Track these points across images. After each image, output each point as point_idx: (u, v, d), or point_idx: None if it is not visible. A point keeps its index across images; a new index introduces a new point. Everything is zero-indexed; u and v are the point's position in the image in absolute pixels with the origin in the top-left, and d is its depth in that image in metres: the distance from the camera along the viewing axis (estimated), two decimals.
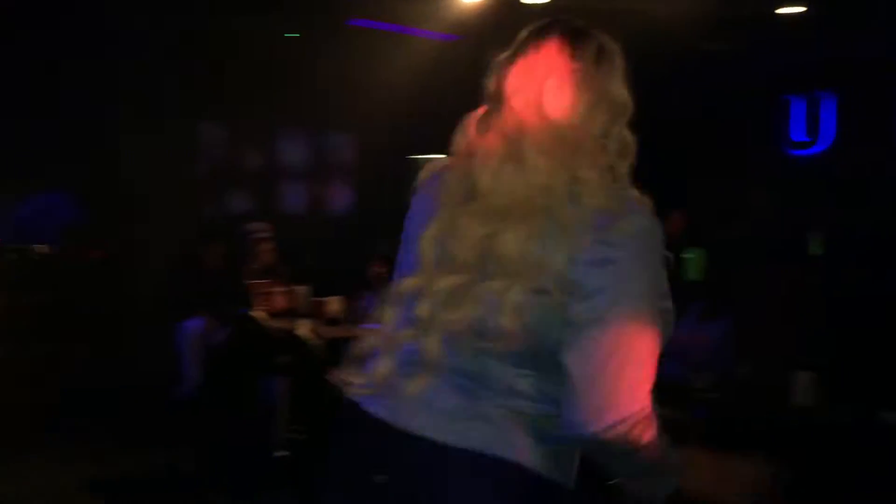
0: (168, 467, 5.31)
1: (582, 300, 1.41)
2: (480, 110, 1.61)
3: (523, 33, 1.61)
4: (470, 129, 1.60)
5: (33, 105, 6.90)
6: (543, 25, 1.59)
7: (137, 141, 7.08)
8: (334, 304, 5.73)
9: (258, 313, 5.62)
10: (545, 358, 1.44)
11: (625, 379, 1.39)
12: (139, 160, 7.10)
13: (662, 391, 1.46)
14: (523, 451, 1.44)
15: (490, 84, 1.61)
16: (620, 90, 1.55)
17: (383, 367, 1.55)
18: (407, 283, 1.57)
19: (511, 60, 1.58)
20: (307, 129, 8.32)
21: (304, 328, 5.02)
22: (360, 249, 7.33)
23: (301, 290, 6.00)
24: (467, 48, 7.40)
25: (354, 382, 1.59)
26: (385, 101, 7.76)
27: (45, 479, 4.95)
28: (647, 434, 1.41)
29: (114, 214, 7.22)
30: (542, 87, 1.51)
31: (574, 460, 1.52)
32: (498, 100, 1.57)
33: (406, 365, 1.52)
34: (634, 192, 1.51)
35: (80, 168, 7.18)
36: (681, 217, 6.32)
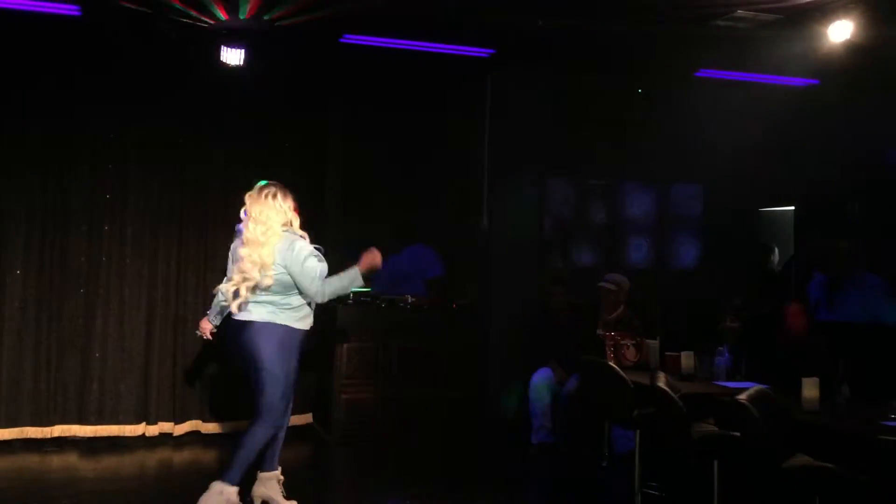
0: None
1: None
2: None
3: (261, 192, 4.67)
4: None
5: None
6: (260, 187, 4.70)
7: (496, 198, 7.51)
8: (686, 359, 5.62)
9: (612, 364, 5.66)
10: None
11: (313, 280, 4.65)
12: (497, 216, 7.49)
13: None
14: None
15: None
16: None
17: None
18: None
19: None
20: (652, 181, 8.32)
21: (662, 381, 4.92)
22: (706, 303, 7.15)
23: (652, 343, 5.97)
24: (824, 93, 7.03)
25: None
26: (732, 151, 7.57)
27: None
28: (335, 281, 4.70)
29: (472, 267, 7.64)
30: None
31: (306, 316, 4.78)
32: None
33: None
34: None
35: (444, 223, 7.74)
36: None
